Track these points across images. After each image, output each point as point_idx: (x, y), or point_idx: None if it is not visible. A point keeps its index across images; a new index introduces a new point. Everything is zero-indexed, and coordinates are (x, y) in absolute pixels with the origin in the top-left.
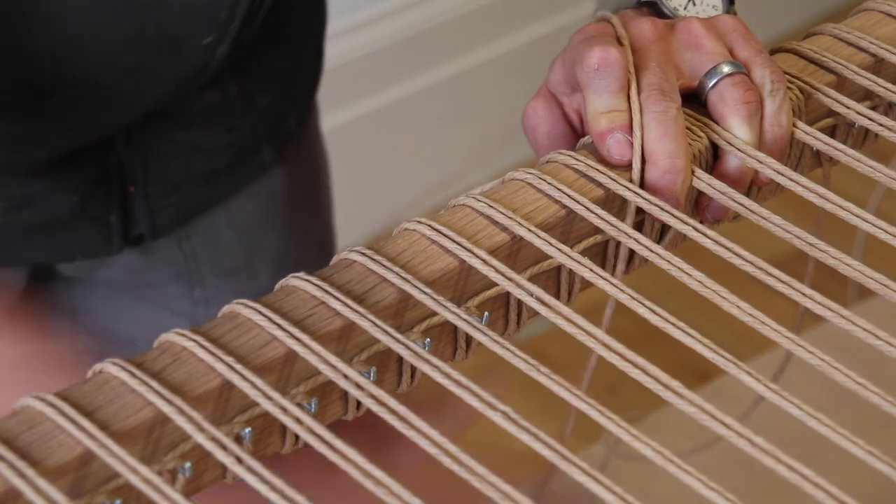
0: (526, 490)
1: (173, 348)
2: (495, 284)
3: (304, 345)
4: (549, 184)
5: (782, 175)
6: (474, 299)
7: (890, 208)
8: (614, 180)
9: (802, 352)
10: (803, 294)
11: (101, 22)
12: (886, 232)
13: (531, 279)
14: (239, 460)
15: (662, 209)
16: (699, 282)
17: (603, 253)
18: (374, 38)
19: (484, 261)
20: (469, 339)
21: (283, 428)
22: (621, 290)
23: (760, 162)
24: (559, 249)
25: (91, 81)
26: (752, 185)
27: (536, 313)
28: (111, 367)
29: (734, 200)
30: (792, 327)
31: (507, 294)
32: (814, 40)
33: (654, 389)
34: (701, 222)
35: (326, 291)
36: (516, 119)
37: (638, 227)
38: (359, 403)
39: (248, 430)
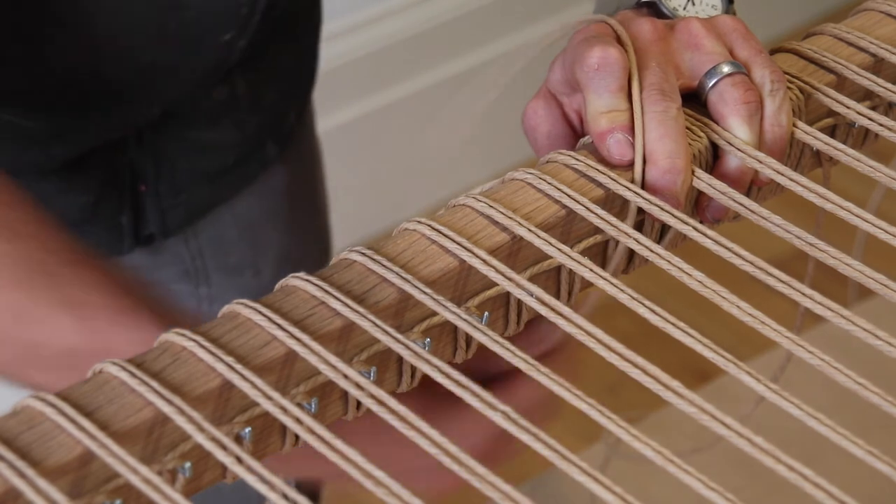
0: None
1: (173, 348)
2: (495, 284)
3: (304, 345)
4: (549, 184)
5: (782, 175)
6: (474, 299)
7: (890, 208)
8: (614, 180)
9: (802, 352)
10: (803, 294)
11: (124, 20)
12: (886, 232)
13: (531, 279)
14: (239, 460)
15: (662, 209)
16: (699, 282)
17: (603, 253)
18: (374, 38)
19: (484, 261)
20: (469, 339)
21: (283, 428)
22: (621, 290)
23: (760, 162)
24: (559, 249)
25: (112, 79)
26: (752, 185)
27: (536, 313)
28: (111, 367)
29: (734, 200)
30: (792, 327)
31: (507, 294)
32: (814, 40)
33: (654, 389)
34: (701, 222)
35: (326, 291)
36: (516, 119)
37: (638, 227)
38: (359, 403)
39: (248, 430)
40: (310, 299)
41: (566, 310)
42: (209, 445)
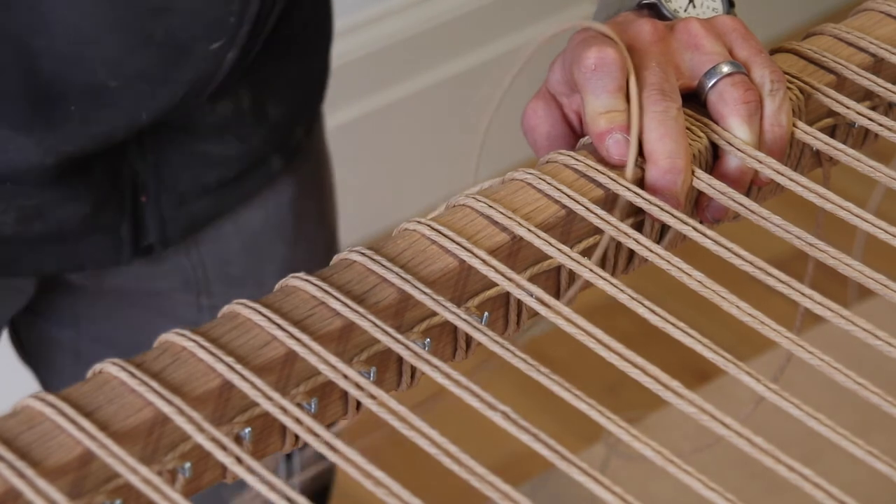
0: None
1: (173, 348)
2: (495, 284)
3: (304, 345)
4: (548, 184)
5: (782, 175)
6: (474, 299)
7: (890, 208)
8: (614, 180)
9: (802, 352)
10: (803, 294)
11: (109, 23)
12: (886, 232)
13: (531, 279)
14: (239, 460)
15: (662, 209)
16: (699, 282)
17: (603, 253)
18: (374, 38)
19: (484, 261)
20: (469, 339)
21: (283, 428)
22: (621, 290)
23: (760, 162)
24: (559, 249)
25: (99, 85)
26: (752, 185)
27: (536, 313)
28: (111, 368)
29: (734, 200)
30: (792, 327)
31: (507, 294)
32: (814, 40)
33: (654, 389)
34: (701, 222)
35: (326, 291)
36: (516, 119)
37: (638, 227)
38: (359, 403)
39: (247, 430)
40: (310, 299)
41: (566, 310)
42: (209, 445)
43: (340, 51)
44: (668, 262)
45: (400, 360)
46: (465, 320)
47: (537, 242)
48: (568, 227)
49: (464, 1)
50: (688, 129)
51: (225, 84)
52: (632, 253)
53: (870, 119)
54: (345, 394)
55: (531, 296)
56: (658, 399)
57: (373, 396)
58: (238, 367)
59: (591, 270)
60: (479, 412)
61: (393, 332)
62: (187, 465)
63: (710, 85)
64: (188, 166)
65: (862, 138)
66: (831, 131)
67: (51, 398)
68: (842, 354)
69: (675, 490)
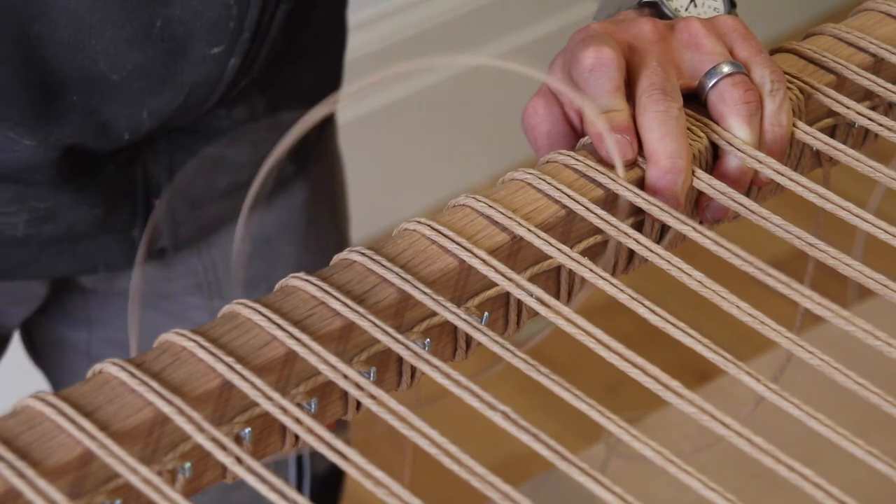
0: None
1: (173, 348)
2: (495, 284)
3: (304, 345)
4: (548, 184)
5: (782, 175)
6: (474, 299)
7: (890, 208)
8: (614, 180)
9: (802, 352)
10: (803, 294)
11: (108, 14)
12: (886, 232)
13: (531, 279)
14: (239, 460)
15: (662, 209)
16: (699, 282)
17: (603, 253)
18: (374, 38)
19: (484, 261)
20: (469, 339)
21: (283, 428)
22: (621, 290)
23: (760, 162)
24: (559, 249)
25: (100, 76)
26: (752, 185)
27: (536, 313)
28: (111, 367)
29: (734, 200)
30: (792, 327)
31: (507, 294)
32: (814, 40)
33: (654, 389)
34: (701, 222)
35: (326, 291)
36: (516, 119)
37: (638, 227)
38: (359, 403)
39: (247, 430)
40: (310, 299)
41: (566, 310)
42: (209, 445)
43: None
44: (668, 262)
45: (400, 360)
46: (465, 320)
47: (537, 242)
48: (568, 227)
49: (464, 1)
50: (688, 129)
51: (236, 89)
52: (632, 253)
53: (870, 119)
54: (345, 394)
55: (531, 296)
56: (658, 399)
57: (373, 396)
58: (238, 367)
59: (591, 270)
60: (479, 412)
61: (393, 332)
62: (187, 465)
63: (710, 85)
64: (201, 170)
65: (862, 138)
66: (831, 131)
67: (51, 398)
68: (842, 354)
69: (675, 490)
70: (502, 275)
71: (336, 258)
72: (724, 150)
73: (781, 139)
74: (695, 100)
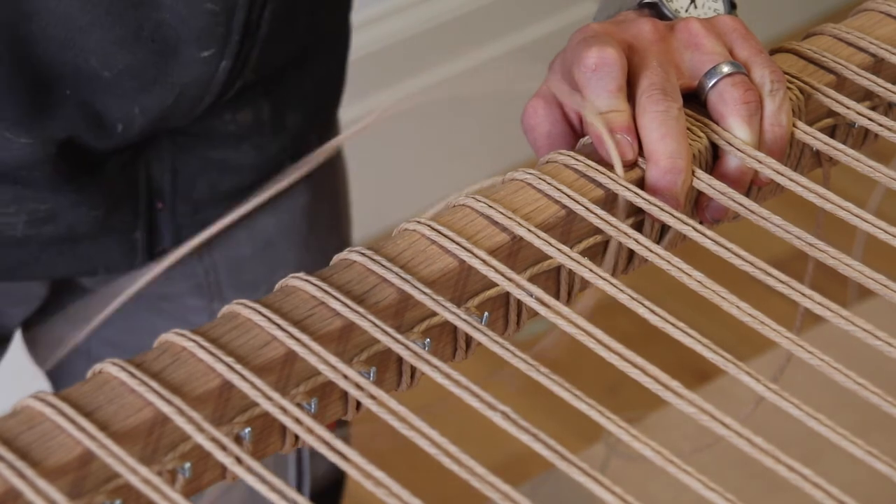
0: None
1: (173, 348)
2: (495, 284)
3: (304, 345)
4: (548, 184)
5: (782, 175)
6: (474, 299)
7: (890, 208)
8: (614, 180)
9: (802, 352)
10: (803, 294)
11: (97, 13)
12: (886, 232)
13: (531, 279)
14: (239, 460)
15: (662, 209)
16: (699, 282)
17: (603, 253)
18: (373, 38)
19: (484, 261)
20: (469, 339)
21: (283, 428)
22: (621, 290)
23: (760, 162)
24: (559, 249)
25: (91, 73)
26: (752, 185)
27: (536, 313)
28: (111, 368)
29: (734, 200)
30: (792, 327)
31: (507, 294)
32: (814, 40)
33: (654, 389)
34: (701, 222)
35: (326, 292)
36: (516, 119)
37: (638, 227)
38: (359, 403)
39: (247, 430)
40: (310, 299)
41: (566, 310)
42: (209, 446)
43: None
44: (668, 262)
45: (400, 360)
46: (465, 320)
47: (537, 242)
48: (568, 227)
49: (464, 1)
50: (688, 129)
51: (232, 91)
52: (632, 253)
53: (870, 119)
54: (345, 394)
55: (531, 296)
56: (658, 399)
57: (373, 396)
58: (238, 367)
59: (591, 270)
60: (479, 412)
61: (393, 332)
62: (187, 465)
63: (710, 85)
64: (205, 173)
65: (862, 138)
66: (831, 131)
67: (51, 398)
68: (842, 354)
69: (675, 490)
70: (502, 275)
71: (336, 258)
72: (724, 150)
73: (781, 139)
74: (695, 100)
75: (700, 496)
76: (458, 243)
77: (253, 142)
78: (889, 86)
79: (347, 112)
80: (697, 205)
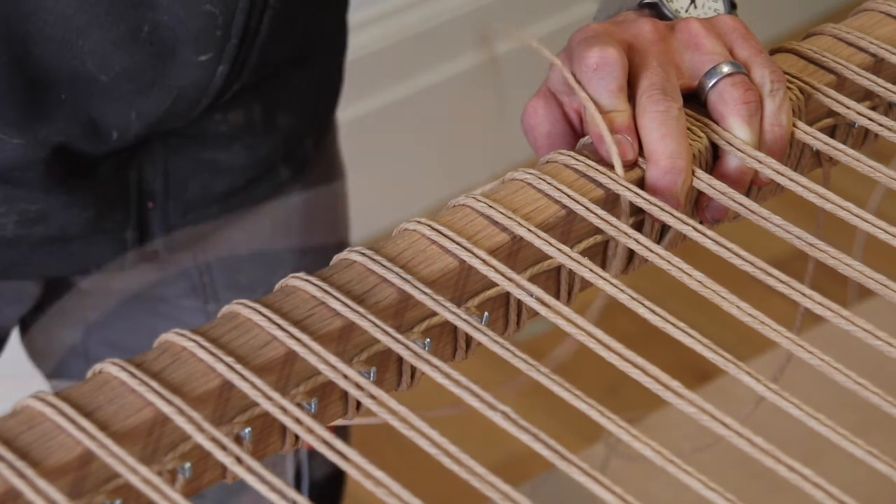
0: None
1: (173, 348)
2: (495, 284)
3: (304, 345)
4: (549, 184)
5: (782, 175)
6: (474, 299)
7: (890, 208)
8: (614, 180)
9: (802, 352)
10: (803, 294)
11: (95, 15)
12: (886, 232)
13: (531, 279)
14: (239, 460)
15: (662, 209)
16: (699, 282)
17: (603, 253)
18: (373, 38)
19: (484, 261)
20: (469, 339)
21: (283, 428)
22: (621, 290)
23: (760, 162)
24: (559, 249)
25: (88, 76)
26: (752, 185)
27: (536, 313)
28: (111, 368)
29: (734, 200)
30: (792, 327)
31: (507, 294)
32: (814, 40)
33: (654, 389)
34: (701, 222)
35: (326, 291)
36: (516, 119)
37: (638, 227)
38: (359, 403)
39: (247, 430)
40: (310, 299)
41: (566, 310)
42: (209, 445)
43: None
44: (668, 262)
45: (400, 360)
46: (465, 320)
47: (537, 242)
48: (568, 227)
49: (464, 1)
50: (688, 129)
51: (228, 94)
52: (632, 253)
53: (870, 119)
54: (345, 394)
55: (531, 296)
56: (658, 399)
57: (373, 396)
58: (238, 367)
59: (591, 270)
60: (479, 412)
61: (393, 332)
62: (187, 465)
63: (710, 85)
64: (196, 174)
65: (862, 138)
66: (831, 131)
67: (51, 398)
68: (842, 354)
69: (675, 490)
70: (502, 275)
71: (336, 258)
72: (724, 150)
73: (781, 139)
74: (695, 100)
75: (700, 496)
76: (458, 243)
77: (244, 142)
78: (889, 86)
79: (348, 112)
80: (697, 205)
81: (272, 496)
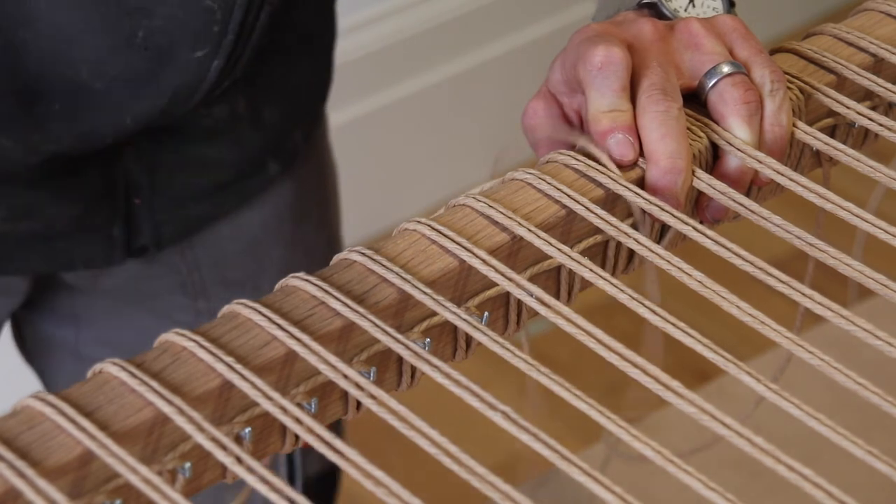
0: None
1: (173, 348)
2: (495, 284)
3: (304, 345)
4: (549, 184)
5: (782, 175)
6: (474, 299)
7: (890, 208)
8: (614, 180)
9: (802, 352)
10: (803, 294)
11: (91, 23)
12: (886, 232)
13: (531, 279)
14: (239, 460)
15: (662, 209)
16: (699, 282)
17: (603, 253)
18: (373, 38)
19: (484, 261)
20: (469, 339)
21: (283, 428)
22: (621, 290)
23: (760, 162)
24: (559, 249)
25: (83, 84)
26: (752, 185)
27: (536, 313)
28: (111, 367)
29: (734, 200)
30: (792, 327)
31: (507, 294)
32: (814, 40)
33: (654, 389)
34: (701, 222)
35: (326, 291)
36: (516, 119)
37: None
38: (359, 403)
39: (248, 430)
40: (310, 299)
41: (566, 310)
42: (209, 445)
43: (340, 51)
44: (668, 262)
45: (400, 360)
46: (465, 320)
47: (537, 242)
48: (568, 227)
49: (464, 1)
50: (688, 129)
51: (219, 89)
52: (632, 253)
53: (870, 119)
54: (345, 394)
55: (531, 296)
56: (658, 399)
57: (373, 396)
58: (238, 366)
59: (591, 270)
60: (479, 412)
61: (393, 332)
62: (187, 465)
63: (710, 85)
64: (183, 169)
65: (862, 138)
66: (831, 131)
67: (51, 398)
68: (842, 354)
69: (675, 490)
70: (502, 275)
71: (336, 258)
72: (724, 150)
73: (781, 139)
74: (695, 100)
75: (700, 496)
76: (458, 243)
77: (230, 136)
78: (889, 86)
79: (348, 112)
80: (697, 205)
81: (272, 496)
